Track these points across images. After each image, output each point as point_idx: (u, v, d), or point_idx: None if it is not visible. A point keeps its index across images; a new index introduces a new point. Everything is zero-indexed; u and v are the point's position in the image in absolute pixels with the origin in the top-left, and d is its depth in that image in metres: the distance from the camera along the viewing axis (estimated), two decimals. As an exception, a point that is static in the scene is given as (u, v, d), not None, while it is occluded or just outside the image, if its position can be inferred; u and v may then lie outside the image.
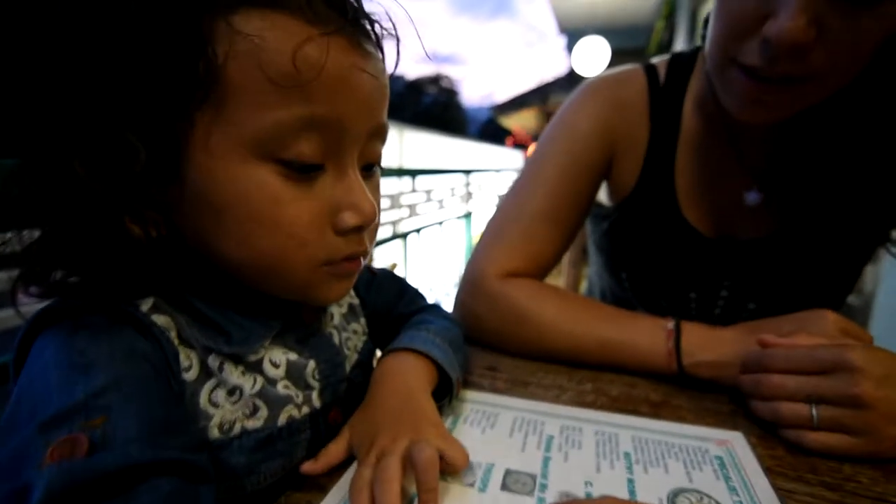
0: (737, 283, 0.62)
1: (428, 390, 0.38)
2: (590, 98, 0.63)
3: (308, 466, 0.33)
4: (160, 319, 0.30)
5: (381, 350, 0.44)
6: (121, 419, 0.24)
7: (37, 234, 0.28)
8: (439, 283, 2.49)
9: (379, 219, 0.35)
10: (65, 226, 0.27)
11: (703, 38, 0.49)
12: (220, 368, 0.31)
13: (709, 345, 0.48)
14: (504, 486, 0.33)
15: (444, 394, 0.40)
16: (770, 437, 0.39)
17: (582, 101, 0.63)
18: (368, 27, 0.30)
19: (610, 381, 0.49)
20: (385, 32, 0.31)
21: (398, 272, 0.54)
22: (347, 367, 0.40)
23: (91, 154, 0.26)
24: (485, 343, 0.57)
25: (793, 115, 0.46)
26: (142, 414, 0.25)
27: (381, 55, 0.32)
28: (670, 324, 0.50)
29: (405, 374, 0.38)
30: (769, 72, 0.42)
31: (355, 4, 0.30)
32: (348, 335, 0.42)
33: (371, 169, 0.34)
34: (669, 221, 0.61)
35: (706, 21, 0.48)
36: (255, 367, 0.33)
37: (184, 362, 0.30)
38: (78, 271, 0.28)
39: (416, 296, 0.51)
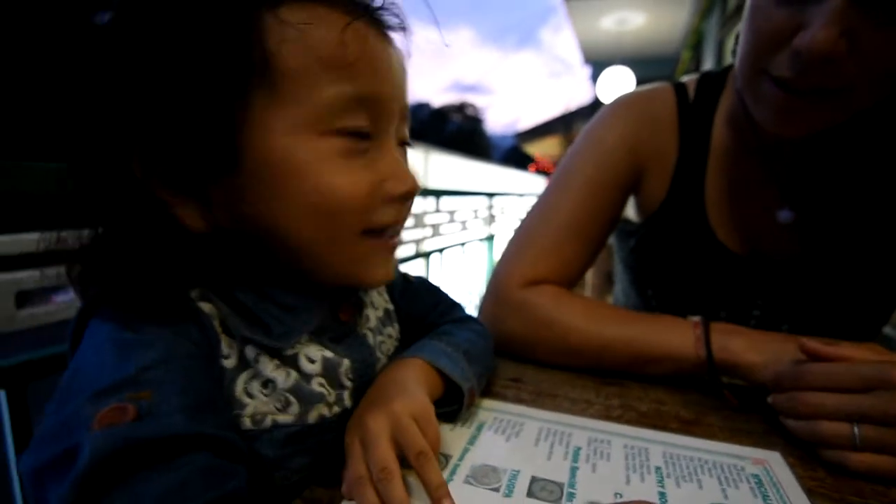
0: (769, 303, 0.60)
1: (422, 385, 0.37)
2: (619, 113, 0.63)
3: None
4: (205, 307, 0.31)
5: None
6: (167, 393, 0.25)
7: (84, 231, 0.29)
8: (460, 302, 2.48)
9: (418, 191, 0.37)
10: (122, 224, 0.29)
11: (734, 53, 0.50)
12: (257, 360, 0.32)
13: (741, 332, 0.47)
14: (530, 493, 0.32)
15: (454, 403, 0.40)
16: (809, 458, 0.38)
17: (611, 116, 0.64)
18: (389, 18, 0.33)
19: (638, 397, 0.48)
20: (399, 23, 0.34)
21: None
22: (377, 370, 0.40)
23: (149, 152, 0.28)
24: (511, 351, 0.57)
25: (825, 128, 0.45)
26: (186, 390, 0.26)
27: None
28: (697, 318, 0.50)
29: (401, 374, 0.37)
30: (800, 83, 0.41)
31: None
32: (383, 339, 0.42)
33: (403, 146, 0.37)
34: (699, 238, 0.61)
35: (737, 37, 0.48)
36: (291, 362, 0.33)
37: (224, 350, 0.31)
38: (134, 267, 0.29)
39: (452, 306, 0.51)
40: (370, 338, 0.40)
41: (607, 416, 0.43)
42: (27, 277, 0.60)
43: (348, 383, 0.36)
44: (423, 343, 0.42)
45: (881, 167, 0.51)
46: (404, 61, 0.35)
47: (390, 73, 0.32)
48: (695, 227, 0.61)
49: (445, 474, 0.34)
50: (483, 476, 0.34)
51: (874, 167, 0.52)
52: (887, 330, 0.63)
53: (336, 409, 0.35)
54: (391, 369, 0.38)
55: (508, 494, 0.32)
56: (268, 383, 0.32)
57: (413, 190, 0.35)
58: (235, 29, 0.28)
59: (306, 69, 0.29)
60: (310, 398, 0.33)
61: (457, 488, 0.32)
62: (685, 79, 0.64)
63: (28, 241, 0.60)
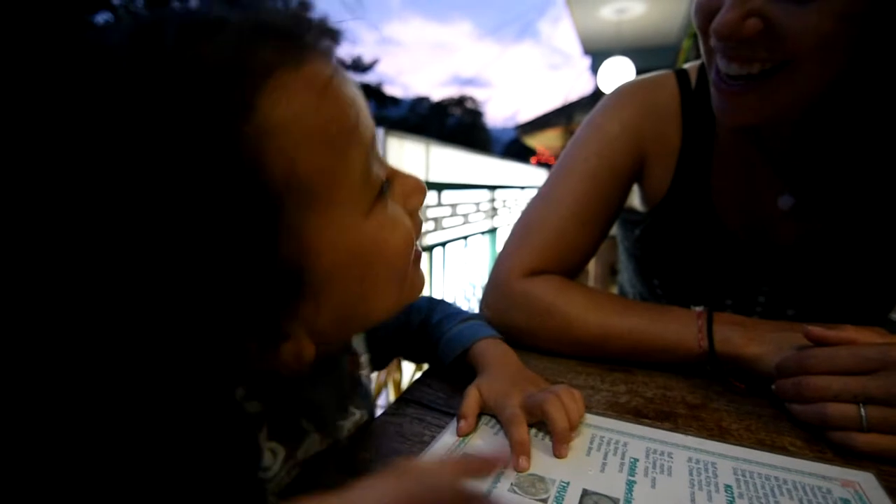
0: (775, 289, 0.60)
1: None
2: (621, 102, 0.63)
3: (465, 428, 0.37)
4: (252, 406, 0.29)
5: (414, 361, 0.50)
6: None
7: None
8: (462, 296, 2.48)
9: None
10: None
11: None
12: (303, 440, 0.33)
13: (742, 323, 0.48)
14: None
15: None
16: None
17: (613, 105, 0.63)
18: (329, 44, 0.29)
19: (644, 382, 0.48)
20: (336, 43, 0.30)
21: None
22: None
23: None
24: (514, 340, 0.57)
25: (780, 115, 0.46)
26: None
27: None
28: (700, 308, 0.50)
29: (506, 353, 0.46)
30: (730, 67, 0.43)
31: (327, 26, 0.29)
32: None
33: None
34: (705, 225, 0.60)
35: None
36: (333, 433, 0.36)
37: (267, 461, 0.30)
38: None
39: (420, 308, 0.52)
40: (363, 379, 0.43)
41: (614, 403, 0.44)
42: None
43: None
44: (470, 325, 0.47)
45: (881, 150, 0.51)
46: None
47: (361, 101, 0.29)
48: (701, 215, 0.60)
49: (487, 483, 0.32)
50: (529, 486, 0.32)
51: (874, 151, 0.51)
52: (895, 315, 0.63)
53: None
54: (494, 350, 0.45)
55: None
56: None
57: (426, 191, 0.35)
58: (262, 244, 0.23)
59: (330, 167, 0.26)
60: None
61: (500, 498, 0.30)
62: (687, 66, 0.64)
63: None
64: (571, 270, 0.61)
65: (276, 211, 0.23)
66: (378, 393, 1.55)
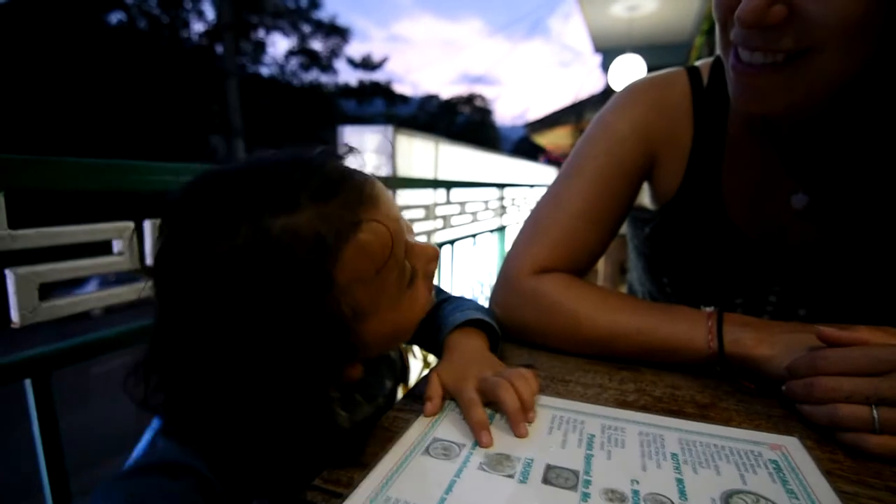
0: (787, 289, 0.59)
1: (488, 350, 0.49)
2: (632, 99, 0.62)
3: (430, 409, 0.41)
4: (334, 393, 0.43)
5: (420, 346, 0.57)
6: None
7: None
8: (471, 294, 2.48)
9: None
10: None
11: None
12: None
13: (753, 324, 0.47)
14: (546, 481, 0.32)
15: (494, 348, 0.51)
16: (827, 442, 0.37)
17: (623, 103, 0.63)
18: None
19: (652, 381, 0.48)
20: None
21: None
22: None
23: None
24: (523, 338, 0.57)
25: (801, 104, 0.45)
26: None
27: None
28: (711, 308, 0.50)
29: (472, 339, 0.49)
30: (750, 55, 0.42)
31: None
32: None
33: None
34: (715, 224, 0.60)
35: None
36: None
37: (341, 422, 0.43)
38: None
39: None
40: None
41: (622, 402, 0.43)
42: (49, 271, 0.61)
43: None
44: (457, 315, 0.51)
45: (891, 147, 0.50)
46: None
47: (396, 210, 0.40)
48: (711, 214, 0.60)
49: (458, 462, 0.34)
50: (496, 463, 0.34)
51: (888, 148, 0.50)
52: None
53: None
54: (463, 337, 0.49)
55: (523, 481, 0.32)
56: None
57: (440, 257, 0.44)
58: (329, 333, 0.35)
59: (378, 291, 0.37)
60: None
61: (470, 475, 0.33)
62: (699, 63, 0.63)
63: (49, 234, 0.61)
64: (580, 269, 0.61)
65: (347, 330, 0.36)
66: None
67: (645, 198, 0.68)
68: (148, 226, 0.71)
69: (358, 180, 0.37)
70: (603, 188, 0.61)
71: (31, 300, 0.60)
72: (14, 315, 0.59)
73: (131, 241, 0.69)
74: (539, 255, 0.59)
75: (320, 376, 0.36)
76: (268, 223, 0.32)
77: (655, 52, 5.87)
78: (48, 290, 0.62)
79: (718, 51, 0.49)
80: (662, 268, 0.67)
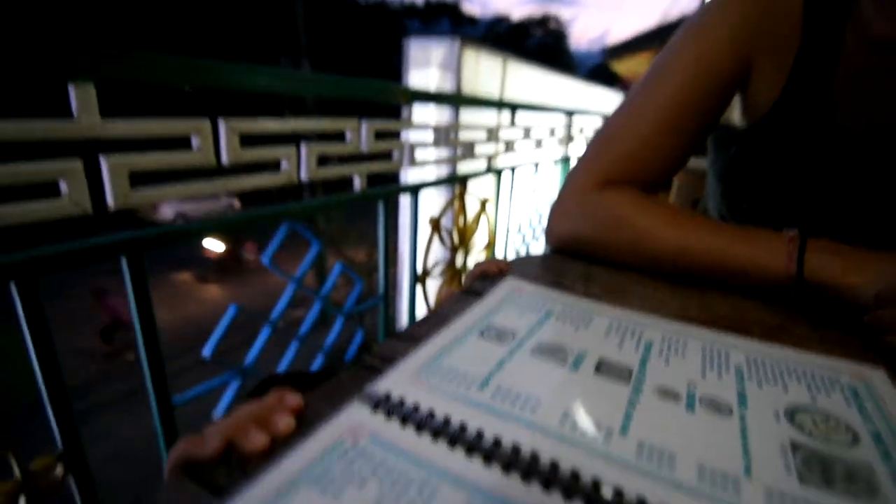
0: (881, 218, 0.53)
1: None
2: None
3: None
4: None
5: None
6: None
7: None
8: (528, 225, 2.45)
9: None
10: None
11: None
12: None
13: (840, 250, 0.43)
14: (598, 371, 0.32)
15: None
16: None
17: (719, 3, 0.55)
18: None
19: (719, 300, 0.45)
20: None
21: (489, 208, 0.59)
22: None
23: None
24: (581, 252, 0.55)
25: None
26: None
27: None
28: (793, 232, 0.45)
29: None
30: None
31: None
32: None
33: None
34: (819, 141, 0.53)
35: None
36: None
37: None
38: None
39: None
40: None
41: (683, 316, 0.42)
42: (138, 160, 0.66)
43: None
44: None
45: None
46: None
47: None
48: (816, 129, 0.53)
49: (511, 346, 0.34)
50: (550, 352, 0.34)
51: None
52: None
53: None
54: None
55: (575, 369, 0.32)
56: None
57: None
58: None
59: None
60: None
61: (522, 358, 0.33)
62: None
63: (136, 126, 0.65)
64: (654, 182, 0.57)
65: None
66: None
67: (732, 115, 0.61)
68: (222, 124, 0.74)
69: None
70: (689, 97, 0.55)
71: (124, 186, 0.65)
72: (109, 199, 0.65)
73: (207, 138, 0.73)
74: (607, 167, 0.55)
75: None
76: None
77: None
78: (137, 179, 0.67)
79: None
80: (744, 192, 0.61)
